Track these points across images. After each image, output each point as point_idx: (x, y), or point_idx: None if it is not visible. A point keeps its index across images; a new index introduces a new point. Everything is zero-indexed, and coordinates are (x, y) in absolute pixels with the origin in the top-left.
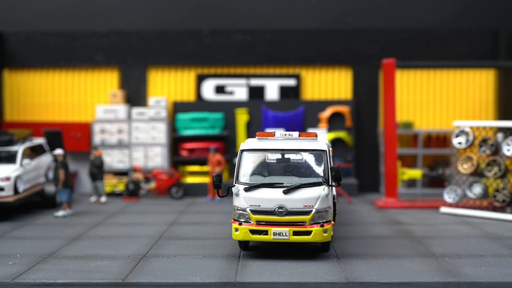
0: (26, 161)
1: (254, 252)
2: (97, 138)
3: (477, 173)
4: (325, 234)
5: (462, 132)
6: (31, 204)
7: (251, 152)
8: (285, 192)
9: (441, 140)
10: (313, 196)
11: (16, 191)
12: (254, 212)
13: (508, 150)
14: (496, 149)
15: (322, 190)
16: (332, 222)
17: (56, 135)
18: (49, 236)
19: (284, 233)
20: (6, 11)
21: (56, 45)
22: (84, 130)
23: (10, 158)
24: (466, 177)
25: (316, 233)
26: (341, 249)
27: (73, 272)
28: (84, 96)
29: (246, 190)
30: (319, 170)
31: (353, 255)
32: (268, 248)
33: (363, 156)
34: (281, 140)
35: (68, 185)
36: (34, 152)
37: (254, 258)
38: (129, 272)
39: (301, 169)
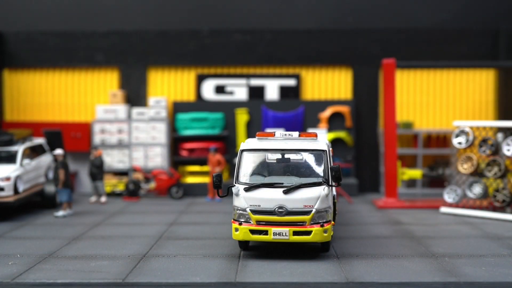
0: (26, 161)
1: (254, 252)
2: (97, 138)
3: (477, 173)
4: (325, 234)
5: (462, 132)
6: (31, 204)
7: (251, 152)
8: (285, 192)
9: (441, 140)
10: (313, 196)
11: (16, 191)
12: (254, 212)
13: (508, 150)
14: (496, 149)
15: (322, 190)
16: (332, 222)
17: (56, 135)
18: (49, 236)
19: (284, 233)
20: (6, 11)
21: (56, 45)
22: (84, 130)
23: (10, 158)
24: (466, 177)
25: (316, 233)
26: (341, 249)
27: (73, 272)
28: (84, 96)
29: (246, 190)
30: (319, 170)
31: (353, 255)
32: (268, 248)
33: (363, 156)
34: (281, 140)
35: (68, 185)
36: (34, 152)
37: (254, 258)
38: (129, 272)
39: (301, 169)
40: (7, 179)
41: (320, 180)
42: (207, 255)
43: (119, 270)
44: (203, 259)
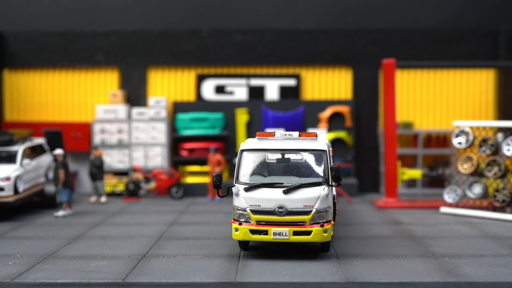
0: (26, 161)
1: (254, 252)
2: (97, 138)
3: (477, 173)
4: (325, 234)
5: (462, 132)
6: (31, 204)
7: (251, 152)
8: (285, 192)
9: (441, 140)
10: (313, 196)
11: (16, 191)
12: (254, 212)
13: (508, 150)
14: (496, 149)
15: (322, 190)
16: (332, 222)
17: (56, 135)
18: (49, 236)
19: (284, 233)
20: (6, 11)
21: (56, 45)
22: (84, 130)
23: (10, 158)
24: (466, 177)
25: (316, 233)
26: (341, 249)
27: (73, 272)
28: (84, 96)
29: (246, 190)
30: (319, 170)
31: (353, 255)
32: (268, 248)
33: (363, 156)
34: (281, 140)
35: (68, 185)
36: (34, 152)
37: (254, 258)
38: (129, 272)
39: (301, 169)
40: (7, 179)
41: (320, 180)
42: (207, 255)
43: (119, 270)
44: (203, 259)
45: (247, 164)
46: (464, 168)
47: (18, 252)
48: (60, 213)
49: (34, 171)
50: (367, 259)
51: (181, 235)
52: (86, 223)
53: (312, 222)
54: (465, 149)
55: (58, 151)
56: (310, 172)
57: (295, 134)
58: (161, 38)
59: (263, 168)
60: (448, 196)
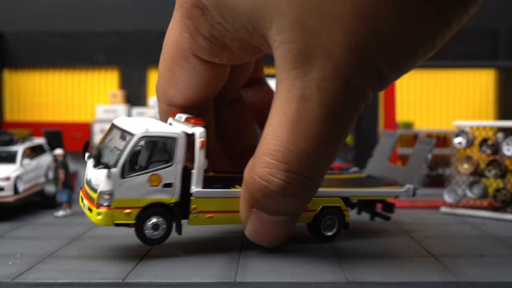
0: (26, 161)
1: (254, 252)
2: (97, 138)
3: (477, 173)
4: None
5: (462, 132)
6: (31, 204)
7: None
8: None
9: (441, 140)
10: None
11: (16, 191)
12: None
13: (508, 150)
14: (496, 149)
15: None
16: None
17: (56, 135)
18: (49, 236)
19: None
20: (6, 11)
21: (56, 45)
22: (84, 130)
23: (10, 158)
24: (466, 177)
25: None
26: (341, 249)
27: (73, 272)
28: (84, 96)
29: None
30: None
31: (353, 255)
32: (268, 248)
33: (363, 156)
34: None
35: (68, 185)
36: (34, 152)
37: (254, 258)
38: (129, 272)
39: None
40: (7, 179)
41: None
42: (207, 255)
43: (119, 270)
44: (203, 259)
45: None
46: (464, 168)
47: (18, 252)
48: (60, 213)
49: (34, 171)
50: (367, 259)
51: (181, 235)
52: (86, 223)
53: None
54: (465, 149)
55: (58, 151)
56: None
57: None
58: (161, 38)
59: None
60: (448, 196)
